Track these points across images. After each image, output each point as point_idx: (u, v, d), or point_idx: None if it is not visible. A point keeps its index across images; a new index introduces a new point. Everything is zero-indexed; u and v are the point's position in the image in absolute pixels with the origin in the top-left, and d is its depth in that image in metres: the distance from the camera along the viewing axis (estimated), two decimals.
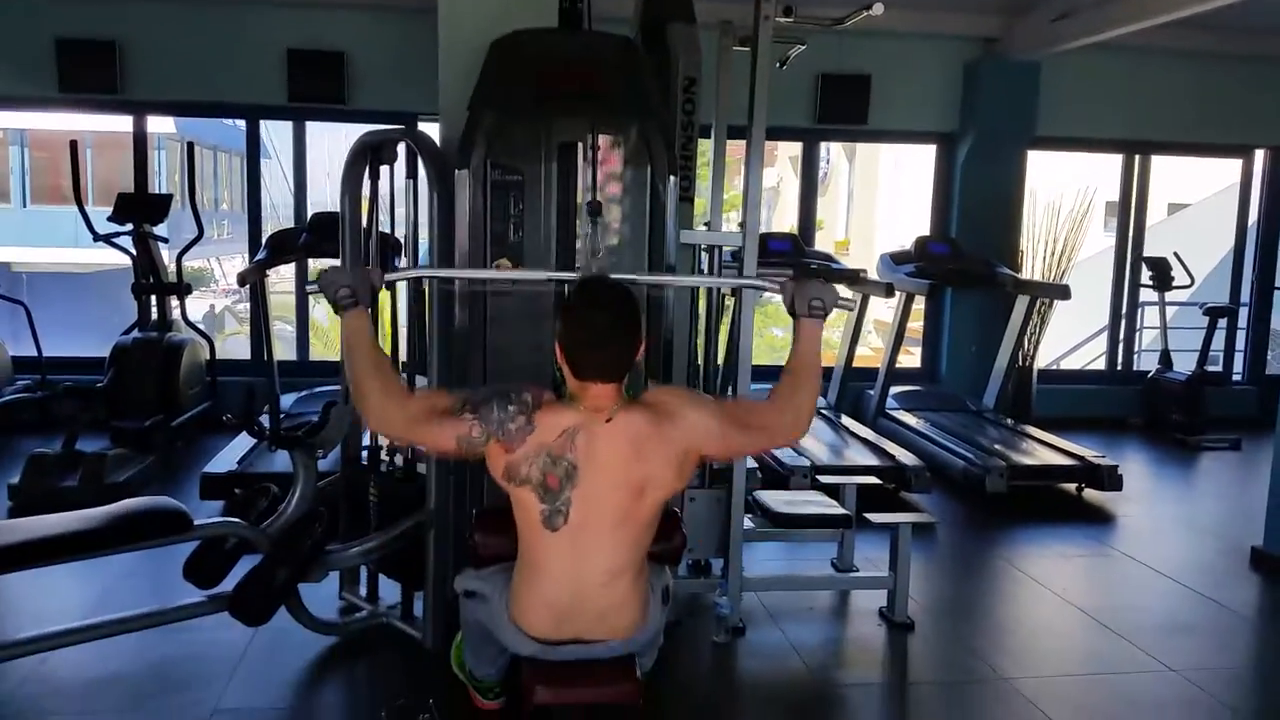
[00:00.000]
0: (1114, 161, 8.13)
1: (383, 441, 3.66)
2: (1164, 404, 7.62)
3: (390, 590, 3.70)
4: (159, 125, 9.67)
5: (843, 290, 2.63)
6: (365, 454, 3.70)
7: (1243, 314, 8.39)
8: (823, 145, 8.33)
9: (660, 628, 2.72)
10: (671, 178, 3.44)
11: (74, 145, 6.30)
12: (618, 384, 2.38)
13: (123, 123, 7.13)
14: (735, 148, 4.13)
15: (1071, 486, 5.77)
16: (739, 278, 3.56)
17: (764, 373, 7.58)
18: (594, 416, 2.35)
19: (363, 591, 3.79)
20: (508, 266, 3.47)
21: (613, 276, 2.55)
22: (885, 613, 3.89)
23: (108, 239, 6.25)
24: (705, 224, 4.37)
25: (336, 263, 3.43)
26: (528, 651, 2.51)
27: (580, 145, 3.36)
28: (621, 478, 2.36)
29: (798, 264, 6.41)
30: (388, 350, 3.77)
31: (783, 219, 14.48)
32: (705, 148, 4.15)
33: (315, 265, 6.13)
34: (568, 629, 2.46)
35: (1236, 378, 8.49)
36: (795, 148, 8.33)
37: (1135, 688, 3.39)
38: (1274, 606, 4.29)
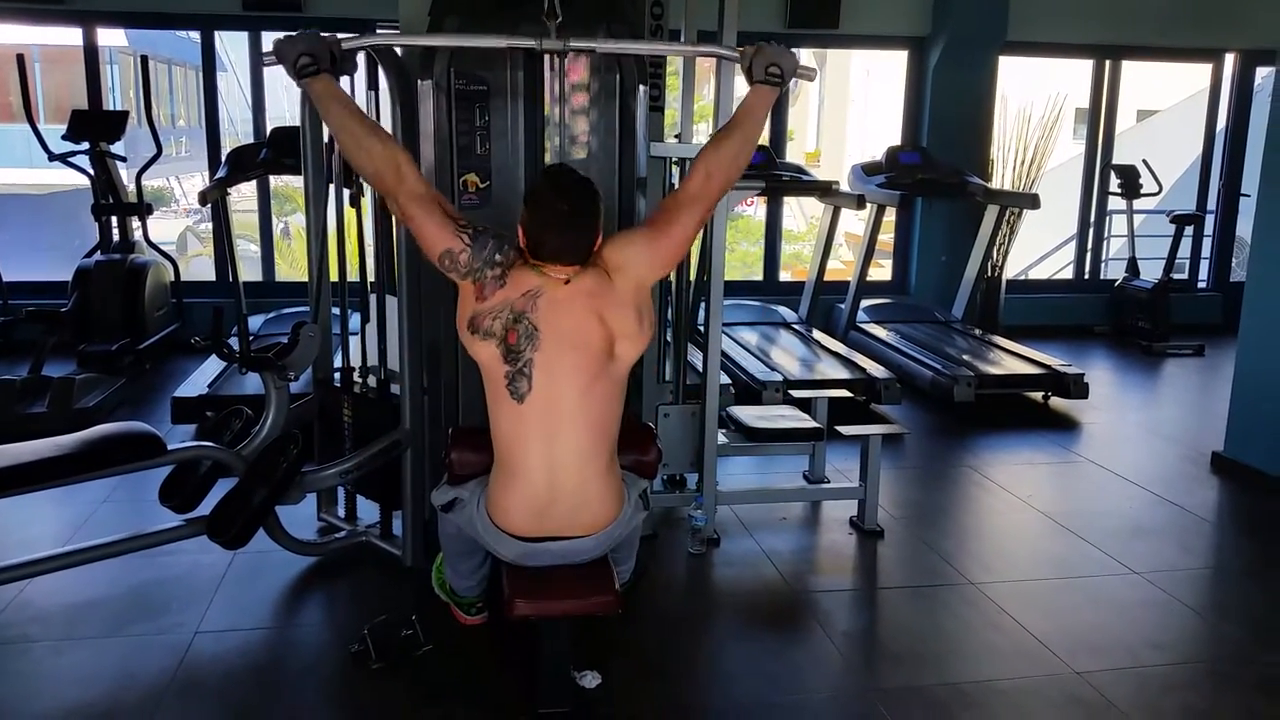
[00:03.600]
0: (1084, 68, 8.07)
1: (355, 362, 3.64)
2: (1130, 312, 7.71)
3: (369, 510, 3.72)
4: (110, 38, 9.34)
5: (804, 58, 2.67)
6: (338, 375, 3.68)
7: (1209, 221, 8.46)
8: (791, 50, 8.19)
9: (638, 528, 2.78)
10: (641, 87, 3.38)
11: (21, 59, 6.09)
12: (576, 267, 2.46)
13: (72, 35, 6.87)
14: None
15: (1038, 395, 5.86)
16: (702, 46, 3.48)
17: (736, 288, 7.57)
18: (553, 281, 2.45)
19: (341, 512, 3.81)
20: (475, 183, 3.41)
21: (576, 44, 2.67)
22: (856, 521, 3.97)
23: (64, 158, 6.09)
24: (676, 135, 4.32)
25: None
26: (508, 552, 2.55)
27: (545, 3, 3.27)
28: (583, 338, 2.45)
29: (770, 175, 6.35)
30: (355, 274, 3.72)
31: None
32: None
33: (277, 183, 6.02)
34: (547, 524, 2.50)
35: (1202, 285, 8.60)
36: None
37: (1099, 590, 3.49)
38: (1233, 509, 4.41)
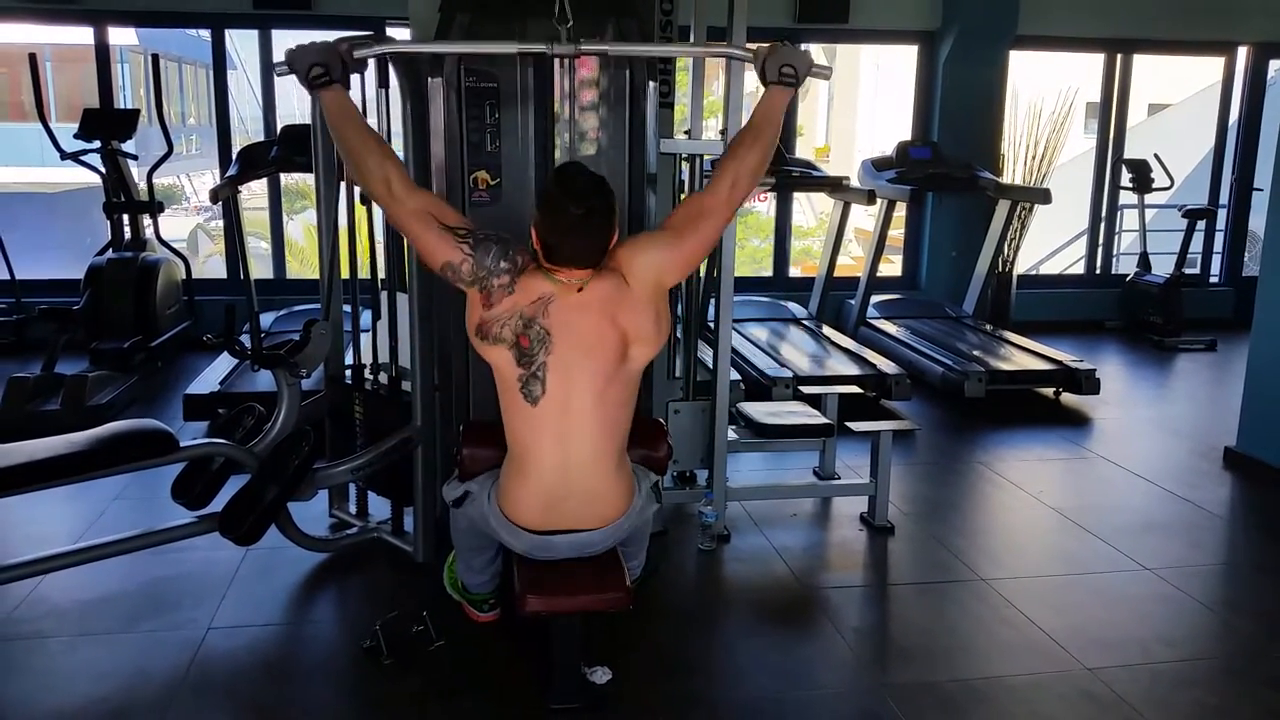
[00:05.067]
0: (1095, 62, 8.03)
1: (366, 359, 3.65)
2: (1141, 306, 7.67)
3: (380, 506, 3.73)
4: (120, 37, 9.38)
5: (814, 54, 2.63)
6: (349, 372, 3.69)
7: (1221, 215, 8.41)
8: (803, 47, 8.18)
9: (648, 522, 2.78)
10: (650, 83, 3.36)
11: (33, 59, 6.12)
12: (589, 271, 2.43)
13: (83, 34, 6.90)
14: None
15: (1049, 391, 5.84)
16: (714, 46, 3.47)
17: (746, 284, 7.57)
18: (566, 288, 2.42)
19: (352, 508, 3.82)
20: (486, 181, 3.41)
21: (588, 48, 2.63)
22: (866, 517, 3.96)
23: (76, 157, 6.12)
24: (685, 131, 4.31)
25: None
26: (519, 544, 2.56)
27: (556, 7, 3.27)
28: (598, 342, 2.44)
29: (779, 171, 6.35)
30: (366, 272, 3.73)
31: None
32: None
33: (287, 180, 6.03)
34: (557, 518, 2.51)
35: (1214, 279, 8.55)
36: None
37: (1110, 586, 3.48)
38: (1245, 504, 4.39)
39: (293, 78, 2.59)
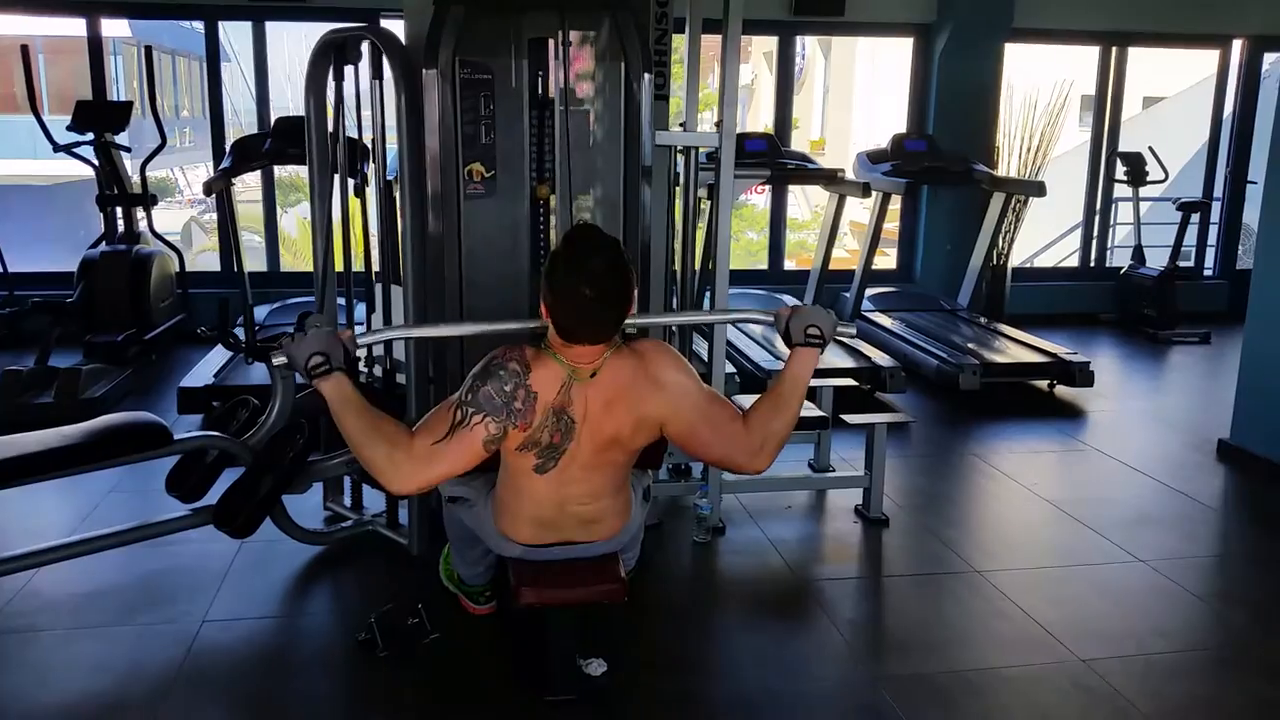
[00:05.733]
0: (1090, 55, 8.03)
1: (360, 353, 3.64)
2: (1136, 299, 7.69)
3: (375, 499, 3.73)
4: (114, 29, 9.34)
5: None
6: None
7: (1215, 209, 8.42)
8: (798, 41, 8.18)
9: (641, 524, 2.79)
10: (646, 75, 3.36)
11: (25, 50, 6.08)
12: (603, 346, 2.36)
13: (76, 26, 6.86)
14: (710, 43, 4.04)
15: (1044, 383, 5.85)
16: (734, 311, 3.43)
17: (741, 277, 7.55)
18: (579, 370, 2.35)
19: (347, 501, 3.82)
20: (480, 173, 3.40)
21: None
22: (861, 510, 3.97)
23: (69, 149, 6.09)
24: (681, 124, 4.30)
25: (295, 330, 2.68)
26: (513, 554, 2.57)
27: (552, 41, 3.28)
28: (613, 431, 2.39)
29: (775, 164, 6.33)
30: (360, 264, 3.72)
31: (757, 118, 14.28)
32: (679, 43, 4.05)
33: (281, 172, 6.00)
34: (553, 536, 2.53)
35: (1208, 272, 8.57)
36: (770, 43, 8.16)
37: (1104, 578, 3.49)
38: (1239, 497, 4.40)
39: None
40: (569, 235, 2.38)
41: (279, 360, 2.40)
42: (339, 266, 3.65)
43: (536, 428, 2.34)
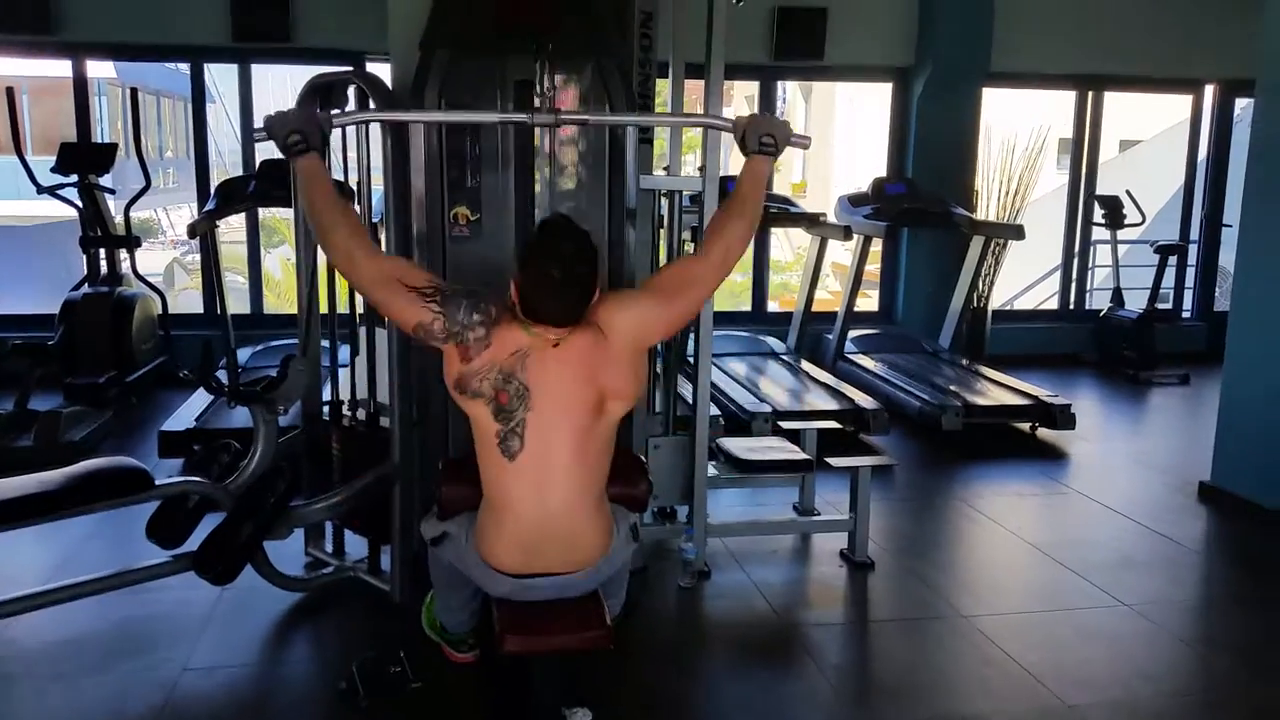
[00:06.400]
0: (1067, 99, 8.17)
1: (344, 395, 3.63)
2: (1115, 341, 7.76)
3: (357, 545, 3.70)
4: (99, 70, 9.36)
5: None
6: (327, 408, 3.67)
7: (1192, 251, 8.53)
8: (779, 85, 8.29)
9: (626, 563, 2.76)
10: None
11: (10, 92, 6.08)
12: (567, 329, 2.42)
13: (60, 68, 6.89)
14: (693, 87, 4.08)
15: (1025, 425, 5.87)
16: (693, 116, 3.50)
17: (725, 318, 7.58)
18: (544, 341, 2.40)
19: (329, 547, 3.78)
20: (466, 216, 3.42)
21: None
22: (846, 553, 3.96)
23: (52, 191, 6.08)
24: (664, 168, 4.34)
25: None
26: (498, 588, 2.54)
27: (537, 84, 3.31)
28: (576, 400, 2.42)
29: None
30: (344, 307, 3.72)
31: (739, 162, 14.36)
32: (663, 87, 4.10)
33: (264, 214, 6.00)
34: (536, 563, 2.49)
35: (1186, 314, 8.66)
36: (752, 87, 8.28)
37: (1089, 622, 3.49)
38: (1221, 539, 4.42)
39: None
40: (543, 222, 2.54)
41: (260, 134, 2.52)
42: (323, 308, 3.64)
43: (474, 372, 2.38)
